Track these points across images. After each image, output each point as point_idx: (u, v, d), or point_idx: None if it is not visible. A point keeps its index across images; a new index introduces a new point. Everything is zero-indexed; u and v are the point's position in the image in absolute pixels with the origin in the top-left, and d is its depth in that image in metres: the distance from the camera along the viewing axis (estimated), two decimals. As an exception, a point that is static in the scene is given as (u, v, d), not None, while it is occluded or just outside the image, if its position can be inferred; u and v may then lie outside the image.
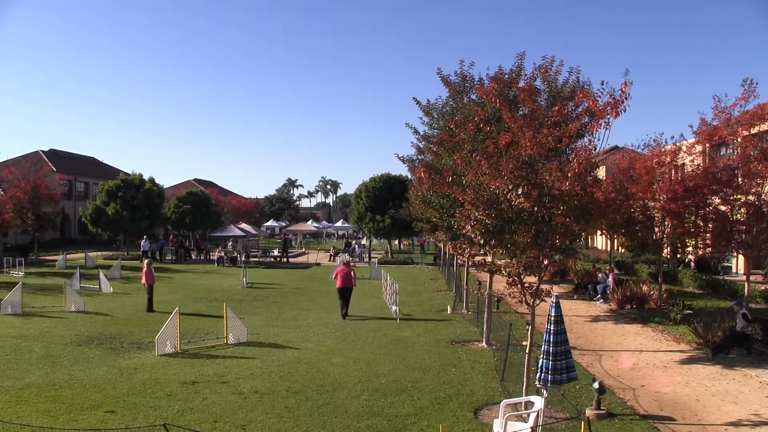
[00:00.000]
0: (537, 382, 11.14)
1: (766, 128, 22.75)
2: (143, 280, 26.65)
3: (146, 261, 27.06)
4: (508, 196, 12.09)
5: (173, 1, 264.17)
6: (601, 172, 32.37)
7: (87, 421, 12.01)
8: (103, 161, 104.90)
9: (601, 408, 12.54)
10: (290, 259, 58.95)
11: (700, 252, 33.57)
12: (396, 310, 24.57)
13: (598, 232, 42.09)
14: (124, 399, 13.54)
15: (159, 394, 13.87)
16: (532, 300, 12.12)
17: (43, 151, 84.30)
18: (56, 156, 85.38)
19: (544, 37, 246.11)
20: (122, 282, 37.66)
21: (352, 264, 29.24)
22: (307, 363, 16.93)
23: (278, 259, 58.17)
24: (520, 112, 13.96)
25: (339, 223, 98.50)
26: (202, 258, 57.78)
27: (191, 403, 13.23)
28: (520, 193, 11.92)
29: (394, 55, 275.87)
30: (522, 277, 12.15)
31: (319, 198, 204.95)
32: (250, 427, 11.80)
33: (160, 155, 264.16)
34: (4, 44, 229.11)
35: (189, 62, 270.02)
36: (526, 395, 11.85)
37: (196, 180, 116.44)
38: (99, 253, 60.65)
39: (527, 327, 13.21)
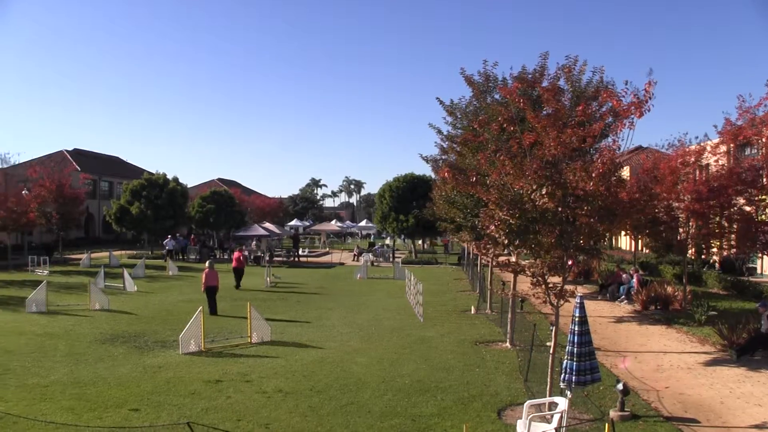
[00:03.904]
0: (561, 383, 11.10)
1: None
2: (203, 283, 26.11)
3: (207, 262, 27.01)
4: (532, 196, 12.05)
5: (198, 2, 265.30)
6: (626, 173, 32.14)
7: (111, 419, 12.11)
8: (127, 161, 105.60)
9: (625, 409, 12.46)
10: (309, 259, 59.03)
11: (725, 253, 33.36)
12: (420, 310, 24.51)
13: (623, 233, 41.82)
14: (148, 397, 13.63)
15: (183, 393, 13.96)
16: (556, 300, 12.08)
17: (67, 151, 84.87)
18: (80, 155, 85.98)
19: (567, 37, 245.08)
20: (146, 281, 37.86)
21: (375, 264, 29.24)
22: (331, 362, 16.96)
23: (292, 258, 58.34)
24: (544, 112, 13.91)
25: (363, 223, 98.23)
26: (226, 257, 57.90)
27: (215, 402, 13.29)
28: (544, 193, 11.89)
29: (418, 55, 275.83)
30: (546, 277, 12.11)
31: (343, 198, 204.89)
32: (273, 425, 11.84)
33: (184, 155, 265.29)
34: (28, 44, 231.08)
35: (213, 62, 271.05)
36: (549, 396, 11.82)
37: (219, 179, 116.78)
38: (123, 252, 61.06)
39: (551, 327, 13.15)
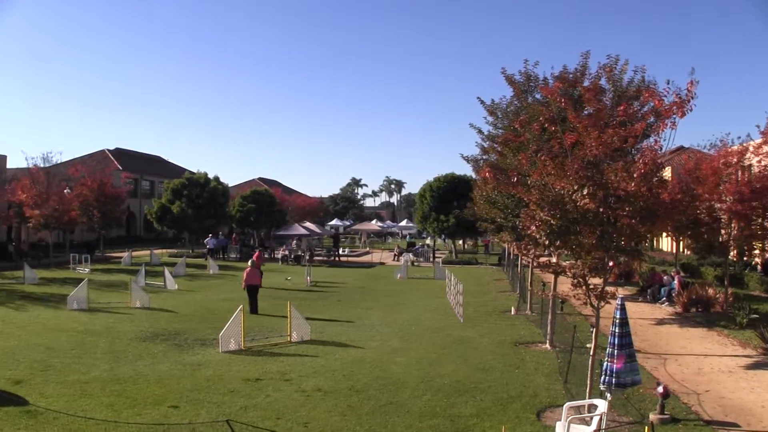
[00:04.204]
0: (601, 385, 10.99)
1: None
2: (244, 280, 26.38)
3: (250, 261, 27.22)
4: (573, 197, 11.97)
5: (236, 2, 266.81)
6: (667, 173, 31.84)
7: (150, 416, 12.23)
8: (169, 160, 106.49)
9: (665, 413, 12.32)
10: (349, 258, 59.20)
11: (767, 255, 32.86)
12: (460, 311, 24.46)
13: (664, 234, 41.34)
14: (188, 395, 13.73)
15: (222, 391, 14.05)
16: (596, 302, 11.99)
17: (109, 150, 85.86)
18: (122, 155, 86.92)
19: (607, 35, 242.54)
20: (187, 279, 38.17)
21: (415, 264, 29.23)
22: (371, 362, 16.97)
23: (332, 258, 58.53)
24: (585, 112, 13.83)
25: (403, 223, 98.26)
26: (266, 256, 58.16)
27: (254, 400, 13.36)
28: (585, 193, 11.80)
29: (459, 54, 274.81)
30: (587, 278, 12.03)
31: (383, 197, 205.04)
32: (312, 424, 11.86)
33: (225, 154, 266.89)
34: (70, 46, 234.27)
35: (254, 63, 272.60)
36: (589, 398, 11.74)
37: (260, 179, 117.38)
38: (164, 250, 61.48)
39: (591, 329, 13.06)
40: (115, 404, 12.99)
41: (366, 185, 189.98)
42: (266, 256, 57.89)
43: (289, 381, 14.94)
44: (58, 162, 54.13)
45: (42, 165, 50.50)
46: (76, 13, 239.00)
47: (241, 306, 19.59)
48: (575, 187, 11.94)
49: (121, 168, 76.74)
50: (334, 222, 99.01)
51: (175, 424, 11.64)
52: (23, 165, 53.33)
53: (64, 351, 18.02)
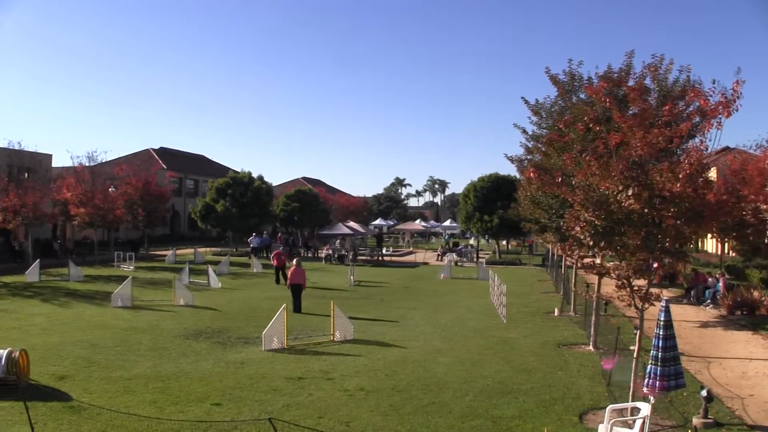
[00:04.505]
0: (644, 388, 10.89)
1: None
2: (289, 279, 26.58)
3: (295, 260, 27.41)
4: (617, 197, 11.89)
5: (283, 3, 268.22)
6: (712, 174, 31.44)
7: (193, 413, 12.34)
8: (213, 159, 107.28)
9: (709, 417, 12.14)
10: (392, 258, 59.26)
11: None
12: (503, 311, 24.37)
13: (709, 236, 40.89)
14: (230, 392, 13.83)
15: (265, 389, 14.13)
16: (641, 304, 11.89)
17: (153, 149, 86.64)
18: (166, 154, 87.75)
19: (656, 33, 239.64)
20: (230, 278, 38.42)
21: (459, 264, 29.18)
22: (413, 362, 16.96)
23: (376, 257, 58.68)
24: (630, 112, 13.71)
25: (447, 223, 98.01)
26: (310, 255, 58.41)
27: (296, 399, 13.42)
28: (630, 194, 11.71)
29: (503, 54, 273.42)
30: (631, 280, 11.93)
31: (427, 197, 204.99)
32: (354, 423, 11.89)
33: (269, 153, 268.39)
34: (116, 47, 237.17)
35: (297, 63, 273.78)
36: (632, 401, 11.62)
37: (304, 178, 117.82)
38: (208, 249, 61.98)
39: (635, 331, 12.93)
40: (158, 401, 13.13)
41: (410, 185, 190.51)
42: (309, 255, 58.18)
43: (331, 380, 14.99)
44: (103, 161, 54.81)
45: (87, 164, 51.18)
46: (121, 13, 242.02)
47: (285, 305, 19.66)
48: (620, 188, 11.87)
49: (165, 167, 77.44)
50: (378, 221, 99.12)
51: (218, 422, 11.72)
52: (68, 164, 54.14)
53: (108, 348, 18.26)
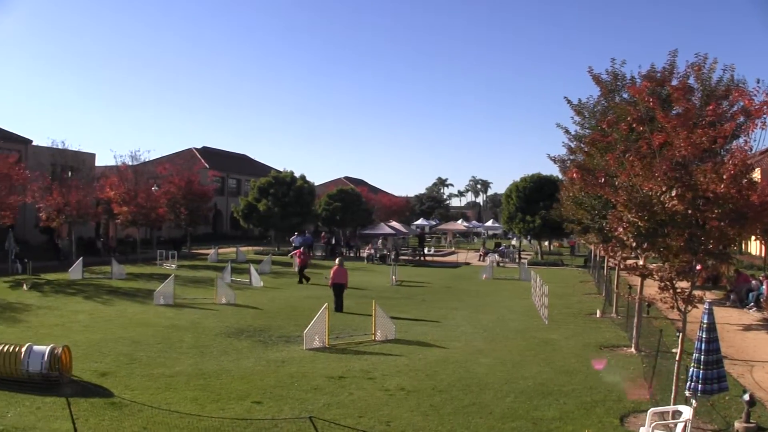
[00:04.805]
0: (686, 391, 10.79)
1: None
2: (330, 279, 26.65)
3: (337, 259, 27.56)
4: (661, 198, 11.76)
5: (327, 4, 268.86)
6: (757, 175, 30.96)
7: (234, 410, 12.42)
8: (255, 159, 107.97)
9: (751, 421, 11.94)
10: (434, 258, 59.20)
11: None
12: (545, 313, 24.24)
13: (753, 237, 40.24)
14: (271, 391, 13.89)
15: (305, 388, 14.18)
16: (683, 306, 11.75)
17: (196, 149, 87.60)
18: (209, 153, 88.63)
19: (696, 32, 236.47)
20: (272, 277, 38.63)
21: (500, 264, 29.08)
22: (454, 362, 16.95)
23: (418, 257, 58.65)
24: (674, 111, 13.56)
25: (489, 223, 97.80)
26: (352, 255, 58.54)
27: (337, 398, 13.46)
28: (673, 195, 11.57)
29: (545, 54, 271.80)
30: (674, 281, 11.81)
31: (469, 197, 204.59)
32: (394, 423, 11.90)
33: (311, 153, 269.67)
34: (157, 49, 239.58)
35: (340, 62, 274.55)
36: (674, 404, 11.51)
37: (346, 178, 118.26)
38: (250, 248, 62.26)
39: (678, 334, 12.80)
40: (199, 398, 13.25)
41: (452, 185, 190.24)
42: (351, 254, 58.30)
43: (372, 379, 15.02)
44: (146, 160, 55.40)
45: (130, 163, 51.78)
46: (164, 12, 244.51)
47: (326, 304, 19.70)
48: (663, 189, 11.73)
49: (208, 166, 78.15)
50: (420, 221, 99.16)
51: (259, 420, 11.76)
52: (112, 163, 54.84)
53: (150, 345, 18.45)
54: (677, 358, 12.08)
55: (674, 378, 11.96)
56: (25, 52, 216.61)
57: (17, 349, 13.77)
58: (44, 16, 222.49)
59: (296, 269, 37.78)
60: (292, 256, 37.98)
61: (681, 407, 10.80)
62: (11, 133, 52.31)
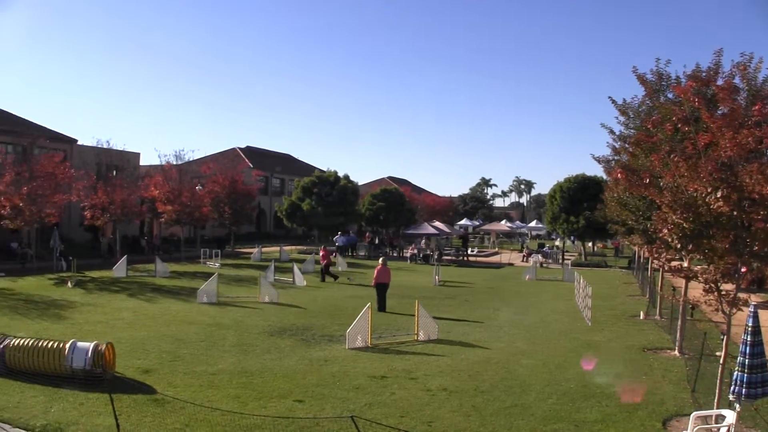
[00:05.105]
0: (730, 395, 10.64)
1: None
2: (374, 278, 26.70)
3: (381, 259, 27.66)
4: (706, 200, 11.64)
5: (373, 5, 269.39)
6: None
7: (275, 409, 12.51)
8: (299, 158, 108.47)
9: (795, 425, 11.84)
10: (477, 258, 59.05)
11: None
12: (588, 314, 24.08)
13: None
14: (313, 389, 13.95)
15: (347, 387, 14.23)
16: (728, 308, 11.63)
17: (240, 149, 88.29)
18: (253, 153, 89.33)
19: (741, 36, 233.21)
20: (315, 276, 38.64)
21: (544, 265, 28.93)
22: (497, 363, 16.90)
23: (461, 257, 58.53)
24: (719, 112, 13.40)
25: (532, 224, 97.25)
26: (395, 255, 58.60)
27: (379, 397, 13.49)
28: (718, 196, 11.45)
29: (588, 53, 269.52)
30: (719, 284, 11.68)
31: (513, 198, 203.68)
32: (436, 424, 11.90)
33: (355, 153, 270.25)
34: (206, 49, 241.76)
35: (384, 62, 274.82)
36: (717, 408, 11.39)
37: (390, 177, 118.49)
38: (293, 247, 62.69)
39: (722, 336, 12.66)
40: (241, 396, 13.35)
41: (495, 185, 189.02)
42: (394, 254, 58.35)
43: (414, 379, 15.02)
44: (190, 160, 55.94)
45: (175, 162, 52.31)
46: (209, 15, 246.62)
47: (369, 303, 19.76)
48: (708, 190, 11.61)
49: (252, 166, 78.69)
50: (464, 222, 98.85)
51: (300, 418, 11.83)
52: (156, 162, 55.61)
53: (193, 343, 18.64)
54: (721, 362, 11.95)
55: (718, 381, 11.84)
56: (72, 54, 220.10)
57: (61, 345, 14.03)
58: (90, 19, 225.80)
59: (343, 266, 38.18)
60: (335, 256, 38.34)
61: (724, 411, 10.69)
62: (57, 132, 53.17)
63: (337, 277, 36.76)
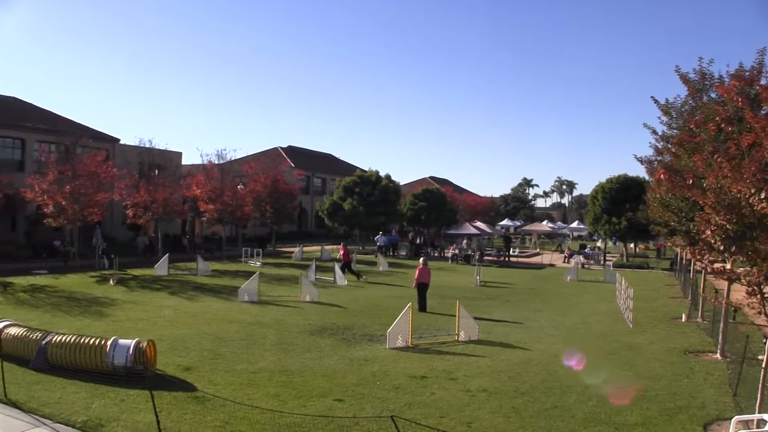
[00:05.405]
0: (772, 399, 10.55)
1: None
2: (415, 279, 26.56)
3: (422, 259, 27.64)
4: (750, 201, 11.50)
5: (413, 5, 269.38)
6: None
7: (315, 408, 12.57)
8: (340, 158, 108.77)
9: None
10: (519, 259, 58.81)
11: None
12: (629, 316, 23.87)
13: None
14: (353, 389, 13.99)
15: (387, 387, 14.25)
16: (772, 312, 11.48)
17: (282, 148, 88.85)
18: (294, 152, 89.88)
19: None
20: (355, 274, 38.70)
21: (585, 266, 28.72)
22: (537, 364, 16.84)
23: (502, 258, 58.32)
24: (763, 111, 13.23)
25: (574, 224, 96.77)
26: (436, 255, 58.53)
27: (419, 397, 13.49)
28: (762, 197, 11.30)
29: (632, 53, 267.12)
30: (762, 286, 11.53)
31: (555, 198, 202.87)
32: (475, 424, 11.90)
33: (397, 153, 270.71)
34: (248, 47, 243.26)
35: (427, 63, 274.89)
36: (759, 413, 11.24)
37: (431, 177, 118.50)
38: (334, 246, 62.68)
39: (765, 340, 12.53)
40: (281, 395, 13.44)
41: (537, 185, 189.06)
42: (435, 254, 58.29)
43: (454, 380, 15.01)
44: (232, 159, 56.35)
45: (216, 162, 52.68)
46: (253, 14, 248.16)
47: (410, 303, 19.79)
48: (752, 191, 11.46)
49: (293, 165, 79.08)
50: (505, 222, 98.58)
51: (340, 417, 11.87)
52: (198, 162, 56.04)
53: (234, 341, 18.77)
54: (764, 365, 11.77)
55: (760, 385, 11.67)
56: (119, 54, 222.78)
57: (103, 342, 14.24)
58: (133, 18, 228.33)
59: (384, 266, 38.21)
60: (376, 256, 38.51)
61: (766, 416, 10.55)
62: (99, 132, 54.00)
63: (360, 275, 37.06)
